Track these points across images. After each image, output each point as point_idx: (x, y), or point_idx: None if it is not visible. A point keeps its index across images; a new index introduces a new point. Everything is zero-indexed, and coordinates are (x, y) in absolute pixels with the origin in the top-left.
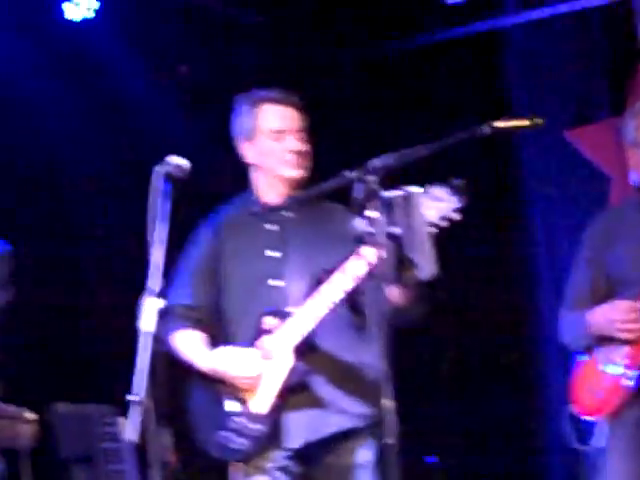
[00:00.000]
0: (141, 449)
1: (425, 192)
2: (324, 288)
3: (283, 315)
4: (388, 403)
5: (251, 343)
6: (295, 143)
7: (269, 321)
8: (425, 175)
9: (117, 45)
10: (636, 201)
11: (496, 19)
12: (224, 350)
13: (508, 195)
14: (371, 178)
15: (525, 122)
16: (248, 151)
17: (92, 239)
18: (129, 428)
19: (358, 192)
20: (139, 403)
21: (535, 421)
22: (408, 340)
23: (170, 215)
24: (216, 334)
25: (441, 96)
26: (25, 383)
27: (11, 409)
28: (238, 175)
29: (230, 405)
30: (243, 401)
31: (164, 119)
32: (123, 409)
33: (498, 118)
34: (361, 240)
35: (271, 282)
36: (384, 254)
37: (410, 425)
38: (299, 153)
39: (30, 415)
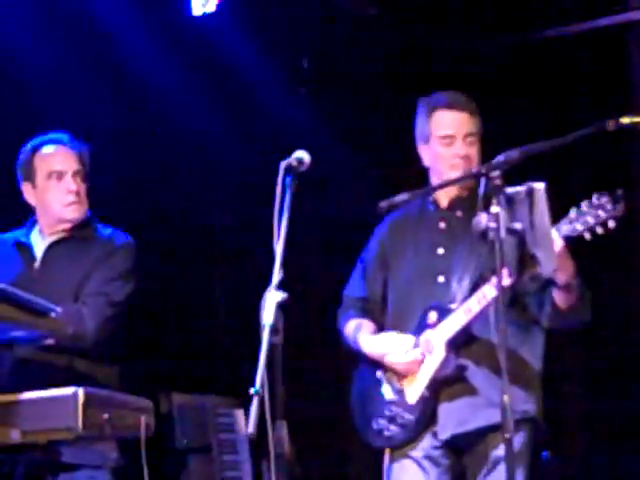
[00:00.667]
0: (256, 441)
1: (588, 201)
2: (485, 287)
3: (446, 311)
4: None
5: (415, 335)
6: (461, 148)
7: (432, 316)
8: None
9: (241, 40)
10: None
11: (622, 13)
12: (387, 335)
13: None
14: (495, 173)
15: None
16: (424, 154)
17: (222, 233)
18: (249, 421)
19: (482, 187)
20: (258, 395)
21: None
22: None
23: (291, 208)
24: (383, 324)
25: (569, 90)
26: (143, 373)
27: (128, 398)
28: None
29: (387, 392)
30: (399, 390)
31: (287, 112)
32: (240, 401)
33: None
34: (484, 235)
35: (439, 278)
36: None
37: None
38: (465, 157)
39: (147, 404)
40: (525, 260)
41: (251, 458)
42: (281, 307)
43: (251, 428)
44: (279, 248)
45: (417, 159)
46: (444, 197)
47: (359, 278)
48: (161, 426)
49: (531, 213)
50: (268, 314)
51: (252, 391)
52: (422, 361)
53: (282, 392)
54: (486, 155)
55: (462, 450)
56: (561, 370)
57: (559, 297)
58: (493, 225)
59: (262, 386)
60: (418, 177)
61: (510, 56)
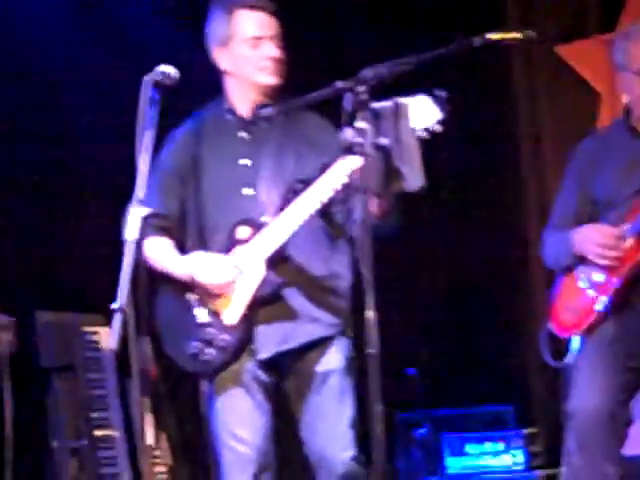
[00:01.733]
0: (122, 358)
1: (411, 102)
2: (300, 198)
3: (257, 225)
4: (370, 313)
5: (225, 253)
6: (271, 49)
7: (243, 231)
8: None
9: None
10: (622, 123)
11: None
12: (197, 255)
13: (498, 115)
14: (361, 88)
15: (517, 35)
16: (222, 58)
17: (85, 146)
18: (110, 336)
19: (347, 103)
20: (121, 311)
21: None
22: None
23: (157, 123)
24: (183, 242)
25: (435, 9)
26: (6, 290)
27: None
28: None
29: (200, 315)
30: (214, 312)
31: (151, 29)
32: (106, 318)
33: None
34: (350, 150)
35: (244, 191)
36: (368, 164)
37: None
38: (275, 60)
39: (8, 321)
40: (391, 175)
41: (116, 375)
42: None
43: (113, 344)
44: (142, 163)
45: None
46: (247, 104)
47: (154, 193)
48: (25, 345)
49: (397, 129)
50: (131, 230)
51: (114, 306)
52: (239, 281)
53: (145, 308)
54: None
55: (284, 369)
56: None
57: (373, 204)
58: (359, 140)
59: (125, 302)
60: None
61: None
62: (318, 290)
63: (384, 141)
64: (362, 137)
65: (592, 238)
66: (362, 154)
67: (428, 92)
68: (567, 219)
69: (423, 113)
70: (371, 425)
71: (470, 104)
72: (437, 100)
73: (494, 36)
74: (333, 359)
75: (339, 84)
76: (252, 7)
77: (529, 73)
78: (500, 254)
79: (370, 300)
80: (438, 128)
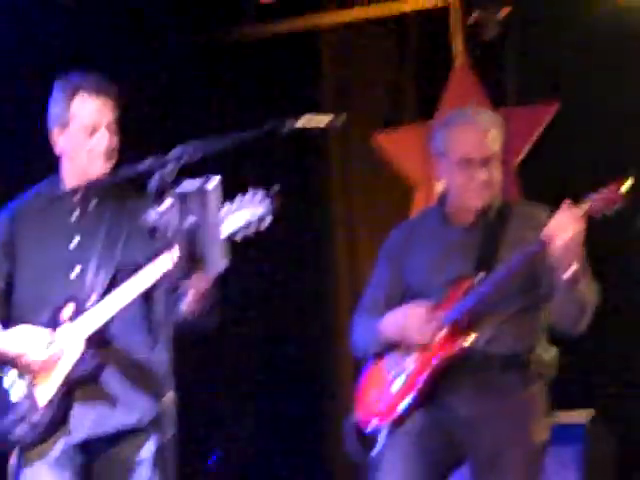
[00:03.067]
0: None
1: (239, 197)
2: (128, 282)
3: (82, 304)
4: (169, 396)
5: (49, 329)
6: (105, 139)
7: (68, 310)
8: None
9: None
10: (437, 211)
11: (312, 17)
12: (20, 328)
13: (315, 198)
14: (168, 167)
15: (326, 118)
16: (58, 139)
17: None
18: None
19: (154, 182)
20: None
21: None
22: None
23: None
24: (7, 316)
25: (256, 93)
26: None
27: None
28: None
29: (16, 392)
30: (30, 389)
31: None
32: None
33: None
34: (153, 233)
35: (72, 272)
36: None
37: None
38: (109, 148)
39: None
40: (194, 260)
41: None
42: None
43: None
44: None
45: None
46: (72, 181)
47: None
48: None
49: (202, 210)
50: None
51: None
52: (59, 358)
53: None
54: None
55: (95, 453)
56: None
57: (191, 301)
58: (163, 222)
59: None
60: None
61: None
62: (137, 375)
63: (189, 222)
64: (166, 219)
65: (404, 320)
66: (164, 238)
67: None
68: (377, 303)
69: (250, 208)
70: None
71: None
72: (266, 196)
73: (303, 120)
74: (146, 448)
75: (147, 162)
76: (90, 91)
77: (344, 163)
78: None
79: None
80: (264, 225)
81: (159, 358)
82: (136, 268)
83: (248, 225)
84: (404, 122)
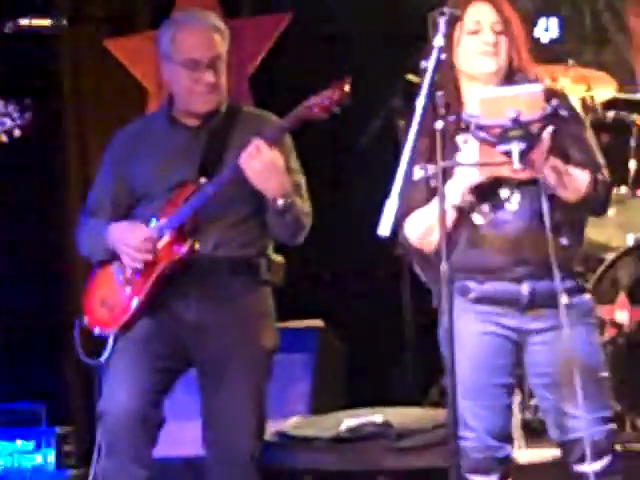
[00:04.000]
0: None
1: None
2: None
3: None
4: None
5: None
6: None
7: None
8: None
9: None
10: (164, 114)
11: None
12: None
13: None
14: None
15: (46, 22)
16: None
17: None
18: None
19: None
20: None
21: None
22: None
23: None
24: None
25: None
26: None
27: None
28: None
29: None
30: None
31: None
32: None
33: None
34: None
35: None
36: None
37: None
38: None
39: None
40: None
41: None
42: None
43: None
44: None
45: None
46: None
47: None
48: None
49: None
50: None
51: None
52: None
53: None
54: None
55: None
56: None
57: None
58: None
59: None
60: None
61: None
62: None
63: None
64: None
65: (126, 239)
66: None
67: None
68: (102, 205)
69: None
70: None
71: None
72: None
73: (23, 22)
74: None
75: None
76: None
77: (76, 68)
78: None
79: None
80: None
81: None
82: None
83: None
84: (137, 29)
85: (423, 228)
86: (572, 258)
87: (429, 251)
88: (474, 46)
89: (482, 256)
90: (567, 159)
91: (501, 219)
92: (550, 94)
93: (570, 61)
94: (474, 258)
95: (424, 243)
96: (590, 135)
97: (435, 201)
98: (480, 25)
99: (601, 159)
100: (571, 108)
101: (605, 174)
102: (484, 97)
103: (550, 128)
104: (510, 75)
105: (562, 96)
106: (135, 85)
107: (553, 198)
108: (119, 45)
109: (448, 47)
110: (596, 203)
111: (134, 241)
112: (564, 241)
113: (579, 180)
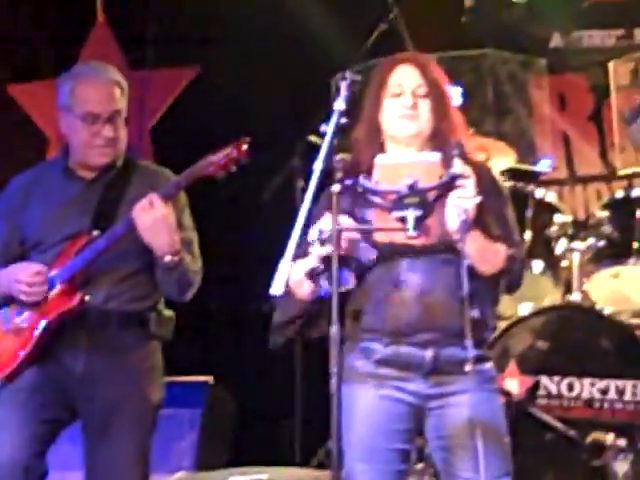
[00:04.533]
0: None
1: None
2: None
3: None
4: None
5: None
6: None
7: None
8: None
9: None
10: (60, 163)
11: None
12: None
13: None
14: None
15: None
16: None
17: None
18: None
19: None
20: None
21: None
22: None
23: None
24: None
25: None
26: None
27: None
28: None
29: None
30: None
31: None
32: None
33: None
34: None
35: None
36: None
37: None
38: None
39: None
40: None
41: None
42: None
43: None
44: None
45: None
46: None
47: None
48: None
49: None
50: None
51: None
52: None
53: None
54: None
55: None
56: None
57: None
58: None
59: None
60: None
61: None
62: None
63: None
64: None
65: (17, 276)
66: None
67: None
68: None
69: None
70: None
71: None
72: None
73: None
74: None
75: None
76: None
77: None
78: None
79: None
80: None
81: None
82: None
83: None
84: (42, 76)
85: (298, 277)
86: (481, 328)
87: (301, 297)
88: (395, 109)
89: (389, 319)
90: (487, 232)
91: (411, 284)
92: (475, 167)
93: (471, 130)
94: (381, 320)
95: (297, 291)
96: (510, 211)
97: (306, 260)
98: (402, 88)
99: (517, 236)
100: (494, 182)
101: (521, 251)
102: (382, 163)
103: (478, 199)
104: (435, 138)
105: (485, 169)
106: (37, 134)
107: (468, 269)
108: (22, 90)
109: (374, 109)
110: (511, 279)
111: (25, 276)
112: (475, 312)
113: (497, 254)
